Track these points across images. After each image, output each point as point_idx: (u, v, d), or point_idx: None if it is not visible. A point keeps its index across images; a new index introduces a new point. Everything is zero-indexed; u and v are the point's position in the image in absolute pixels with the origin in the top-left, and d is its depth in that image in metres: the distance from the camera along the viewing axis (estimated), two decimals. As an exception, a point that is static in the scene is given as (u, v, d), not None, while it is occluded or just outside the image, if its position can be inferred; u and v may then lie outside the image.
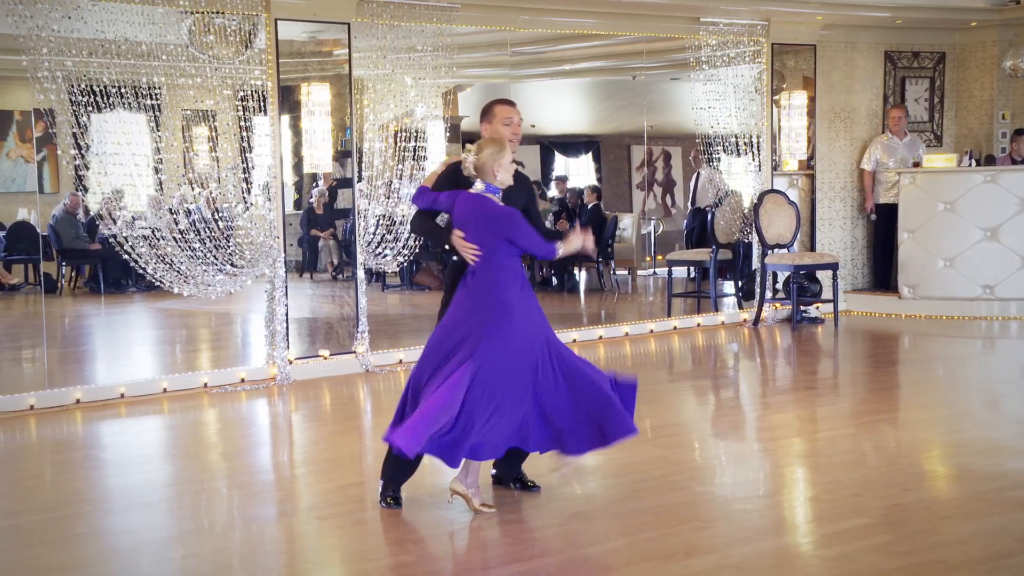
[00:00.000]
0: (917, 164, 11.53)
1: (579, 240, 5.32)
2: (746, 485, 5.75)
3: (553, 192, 13.80)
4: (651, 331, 10.72)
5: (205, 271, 8.21)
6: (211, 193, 8.41)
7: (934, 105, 12.54)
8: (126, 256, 7.97)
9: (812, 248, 11.72)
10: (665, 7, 10.45)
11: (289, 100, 8.93)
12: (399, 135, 9.12)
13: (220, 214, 8.29)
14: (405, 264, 9.66)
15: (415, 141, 9.18)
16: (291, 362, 8.64)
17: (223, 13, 8.20)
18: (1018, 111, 12.37)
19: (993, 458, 6.02)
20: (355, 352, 8.99)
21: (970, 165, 11.37)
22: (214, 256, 8.25)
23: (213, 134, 8.32)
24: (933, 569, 4.40)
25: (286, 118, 8.89)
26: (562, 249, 5.29)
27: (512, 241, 5.19)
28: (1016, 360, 9.56)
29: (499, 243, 5.17)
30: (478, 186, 5.25)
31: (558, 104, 13.51)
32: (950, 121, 12.65)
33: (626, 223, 13.75)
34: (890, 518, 5.04)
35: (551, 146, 13.71)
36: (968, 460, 6.00)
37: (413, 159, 9.16)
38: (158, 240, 8.03)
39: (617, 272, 13.86)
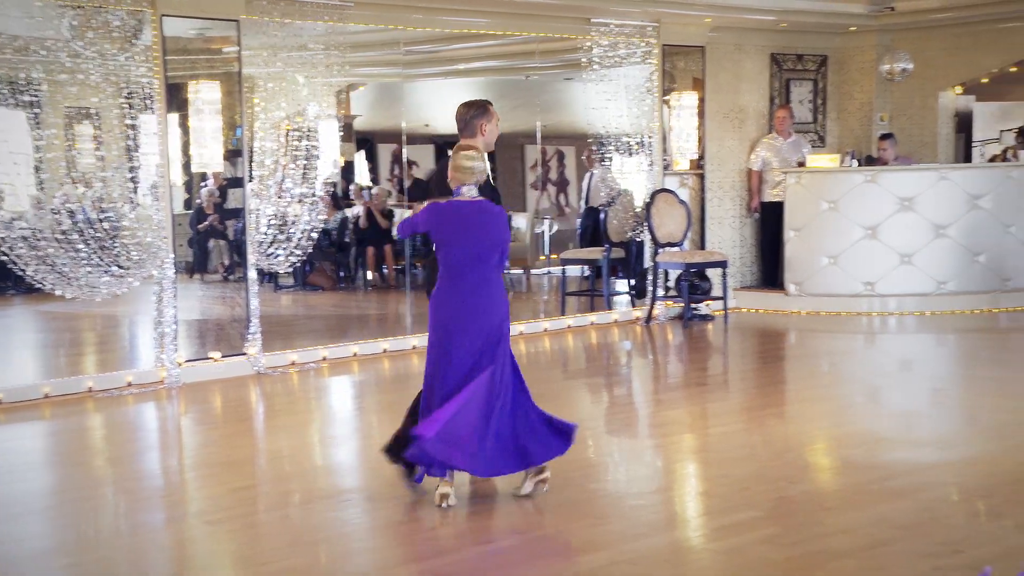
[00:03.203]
0: (802, 164, 11.81)
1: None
2: (639, 481, 5.81)
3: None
4: (545, 329, 10.78)
5: (90, 273, 7.98)
6: (95, 193, 8.17)
7: (817, 106, 12.87)
8: (4, 257, 7.69)
9: (702, 246, 11.92)
10: (556, 7, 10.52)
11: (177, 98, 8.73)
12: (291, 134, 8.99)
13: (105, 214, 8.06)
14: (298, 264, 9.53)
15: (308, 140, 9.06)
16: (180, 364, 8.45)
17: (106, 8, 7.97)
18: (895, 113, 12.77)
19: (873, 450, 6.20)
20: (246, 354, 8.84)
21: (851, 165, 11.69)
22: (99, 257, 8.02)
23: (97, 132, 8.08)
24: (818, 559, 4.51)
25: (174, 116, 8.70)
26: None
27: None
28: (895, 354, 9.88)
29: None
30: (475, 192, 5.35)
31: (452, 103, 13.44)
32: (833, 122, 12.99)
33: (520, 222, 13.79)
34: (778, 510, 5.15)
35: (445, 145, 13.66)
36: (850, 452, 6.17)
37: (306, 158, 9.04)
38: (39, 241, 7.76)
39: (511, 271, 13.90)
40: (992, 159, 14.06)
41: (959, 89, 13.01)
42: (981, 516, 5.08)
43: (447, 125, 14.76)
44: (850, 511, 5.11)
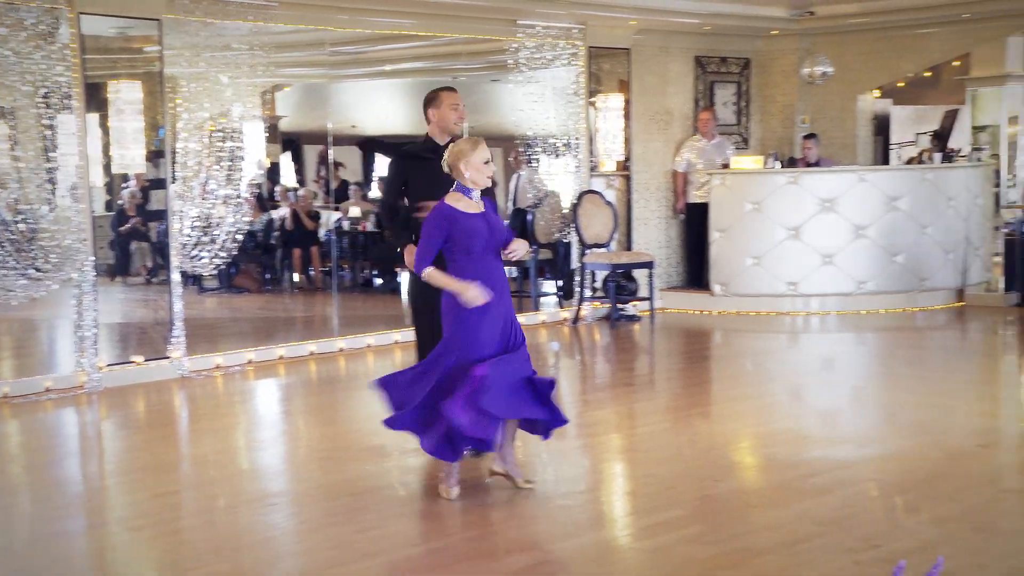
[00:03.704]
0: (726, 165, 11.97)
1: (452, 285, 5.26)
2: (567, 481, 5.84)
3: (376, 193, 13.71)
4: (474, 331, 10.75)
5: (5, 276, 7.78)
6: (11, 194, 7.97)
7: (741, 109, 13.05)
8: (-84, 261, 7.48)
9: (629, 247, 12.01)
10: (483, 9, 10.52)
11: (97, 98, 8.57)
12: (215, 135, 8.88)
13: (22, 216, 7.87)
14: (223, 267, 9.41)
15: (232, 141, 8.95)
16: (101, 369, 8.30)
17: (18, 4, 7.78)
18: (816, 115, 13.00)
19: (796, 447, 6.31)
20: (170, 357, 8.70)
21: (774, 167, 11.87)
22: (15, 260, 7.83)
23: (13, 132, 7.89)
24: (742, 556, 4.58)
25: (94, 116, 8.54)
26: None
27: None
28: (817, 353, 10.05)
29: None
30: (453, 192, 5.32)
31: (378, 105, 13.40)
32: (756, 124, 13.18)
33: (448, 224, 13.74)
34: (703, 509, 5.22)
35: (372, 147, 13.60)
36: (774, 450, 6.27)
37: (230, 160, 8.93)
38: (-50, 244, 7.56)
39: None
40: (909, 161, 14.41)
41: (877, 93, 13.30)
42: (898, 511, 5.20)
43: (374, 126, 14.72)
44: (773, 508, 5.19)
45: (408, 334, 10.31)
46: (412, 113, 14.27)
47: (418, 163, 5.97)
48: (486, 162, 5.31)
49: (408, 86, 13.73)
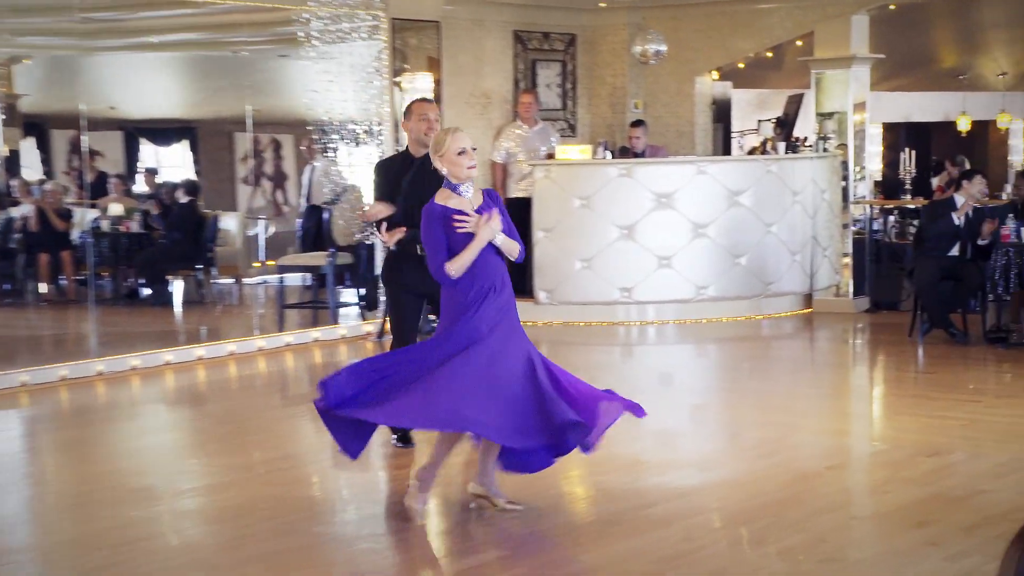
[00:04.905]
0: (550, 155, 12.14)
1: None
2: (371, 521, 5.80)
3: (141, 187, 13.33)
4: (260, 348, 10.61)
5: None
6: None
7: (567, 91, 13.28)
8: None
9: (441, 250, 12.03)
10: (267, -28, 10.40)
11: None
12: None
13: None
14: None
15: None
16: None
17: None
18: (650, 100, 13.35)
19: (632, 474, 6.44)
20: None
21: (605, 157, 12.11)
22: None
23: None
24: (571, 600, 4.64)
25: None
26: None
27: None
28: (654, 366, 10.31)
29: None
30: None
31: (143, 82, 13.04)
32: (583, 109, 13.43)
33: (230, 223, 13.52)
34: (526, 548, 5.26)
35: (136, 132, 13.23)
36: (606, 478, 6.38)
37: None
38: None
39: (219, 281, 13.60)
40: (751, 151, 14.99)
41: (715, 75, 13.75)
42: (744, 543, 5.37)
43: (139, 108, 14.32)
44: (606, 545, 5.28)
45: (183, 354, 10.11)
46: (185, 94, 13.98)
47: (395, 174, 6.79)
48: (460, 152, 5.53)
49: (179, 61, 13.41)
